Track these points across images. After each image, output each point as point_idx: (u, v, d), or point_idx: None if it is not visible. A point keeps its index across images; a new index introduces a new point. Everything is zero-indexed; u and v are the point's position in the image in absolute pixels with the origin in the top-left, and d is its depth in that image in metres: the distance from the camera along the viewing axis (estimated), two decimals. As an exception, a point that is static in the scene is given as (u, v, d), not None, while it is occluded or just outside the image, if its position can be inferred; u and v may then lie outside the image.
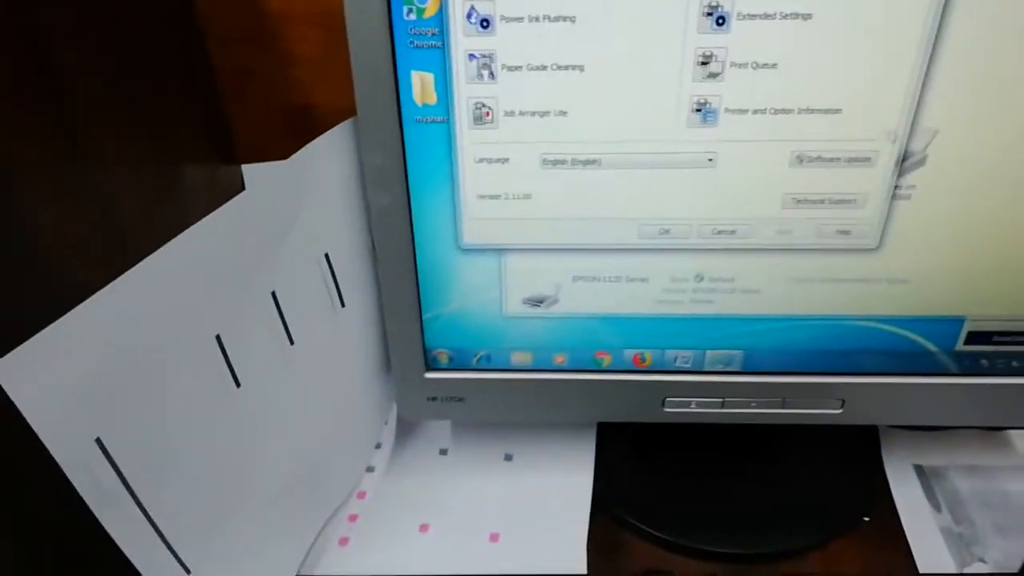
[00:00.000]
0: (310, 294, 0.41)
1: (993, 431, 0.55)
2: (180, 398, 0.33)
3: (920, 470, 0.53)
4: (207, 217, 0.34)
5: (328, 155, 0.40)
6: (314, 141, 0.39)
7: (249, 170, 0.38)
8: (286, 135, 0.51)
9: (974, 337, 0.43)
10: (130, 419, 0.31)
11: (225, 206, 0.35)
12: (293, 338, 0.40)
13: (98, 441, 0.29)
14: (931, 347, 0.43)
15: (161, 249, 0.32)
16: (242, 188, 0.38)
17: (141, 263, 0.31)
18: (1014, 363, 0.44)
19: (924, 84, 0.35)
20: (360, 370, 0.48)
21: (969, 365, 0.44)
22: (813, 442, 0.54)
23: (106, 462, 0.30)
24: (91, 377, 0.29)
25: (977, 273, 0.40)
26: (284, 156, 0.40)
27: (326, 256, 0.42)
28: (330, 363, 0.44)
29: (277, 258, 0.38)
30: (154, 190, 0.35)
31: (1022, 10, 0.33)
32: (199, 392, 0.34)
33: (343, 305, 0.44)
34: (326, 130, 0.41)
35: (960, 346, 0.43)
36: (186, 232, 0.33)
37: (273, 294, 0.38)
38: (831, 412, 0.46)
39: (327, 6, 0.47)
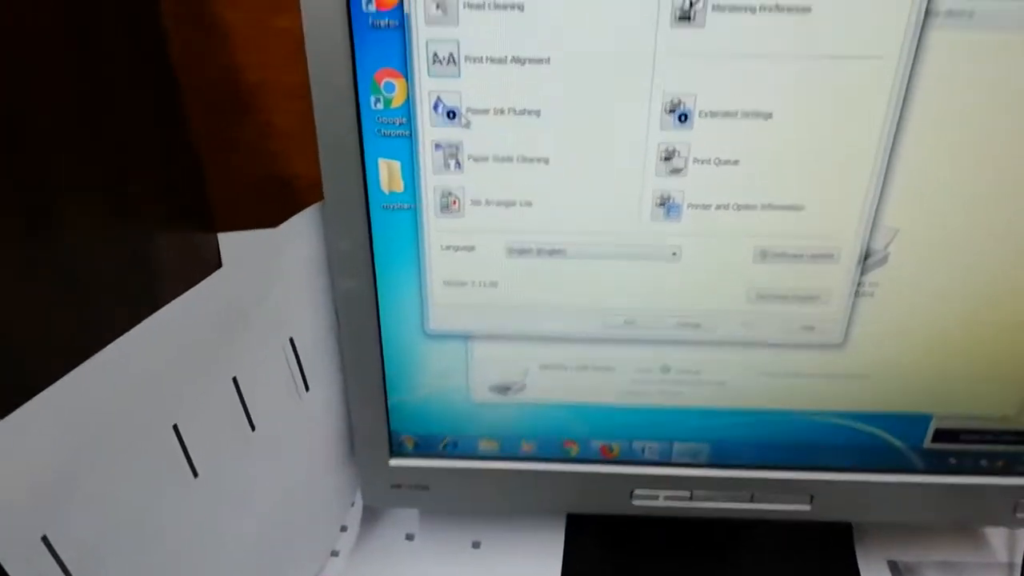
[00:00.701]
0: (273, 379, 0.40)
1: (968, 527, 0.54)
2: (134, 491, 0.32)
3: (894, 566, 0.52)
4: (174, 301, 0.34)
5: (295, 238, 0.40)
6: (283, 224, 0.39)
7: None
8: (265, 206, 0.52)
9: (941, 435, 0.43)
10: (79, 515, 0.29)
11: (193, 290, 0.35)
12: (254, 424, 0.39)
13: (44, 539, 0.28)
14: (899, 444, 0.43)
15: (128, 334, 0.31)
16: (219, 265, 0.38)
17: (105, 349, 0.30)
18: (982, 462, 0.44)
19: (884, 184, 0.35)
20: (324, 454, 0.47)
21: (938, 463, 0.44)
22: (786, 536, 0.53)
23: (52, 561, 0.28)
24: (40, 471, 0.28)
25: (942, 371, 0.40)
26: (262, 226, 0.40)
27: (291, 340, 0.41)
28: (293, 448, 0.43)
29: (240, 343, 0.38)
30: (127, 270, 0.34)
31: (977, 115, 0.34)
32: (154, 484, 0.33)
33: (307, 389, 0.43)
34: (305, 201, 0.41)
35: (928, 444, 0.43)
36: (154, 316, 0.33)
37: (235, 380, 0.37)
38: (800, 508, 0.45)
39: (307, 78, 0.48)
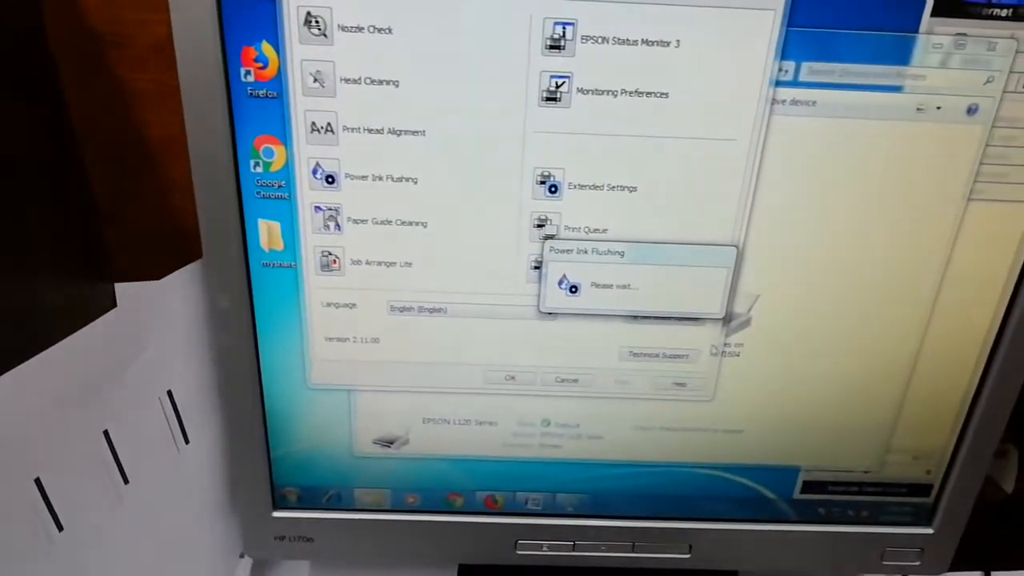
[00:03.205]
0: (149, 431, 0.40)
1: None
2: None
3: (777, 612, 0.54)
4: (43, 352, 0.34)
5: (174, 290, 0.41)
6: (163, 280, 0.39)
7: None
8: (162, 258, 0.52)
9: (810, 486, 0.45)
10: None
11: (63, 341, 0.35)
12: (128, 477, 0.39)
13: None
14: (770, 495, 0.45)
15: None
16: (114, 304, 0.37)
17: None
18: (849, 511, 0.46)
19: (742, 253, 0.38)
20: (206, 507, 0.46)
21: (808, 513, 0.46)
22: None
23: None
24: None
25: (806, 427, 0.43)
26: (158, 277, 0.40)
27: (169, 393, 0.41)
28: (171, 501, 0.43)
29: (112, 395, 0.38)
30: (14, 313, 0.34)
31: (821, 189, 0.36)
32: (15, 541, 0.33)
33: (187, 442, 0.43)
34: (195, 255, 0.42)
35: (797, 494, 0.45)
36: (21, 366, 0.32)
37: (106, 432, 0.37)
38: (679, 556, 0.46)
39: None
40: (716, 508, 0.45)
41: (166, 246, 0.51)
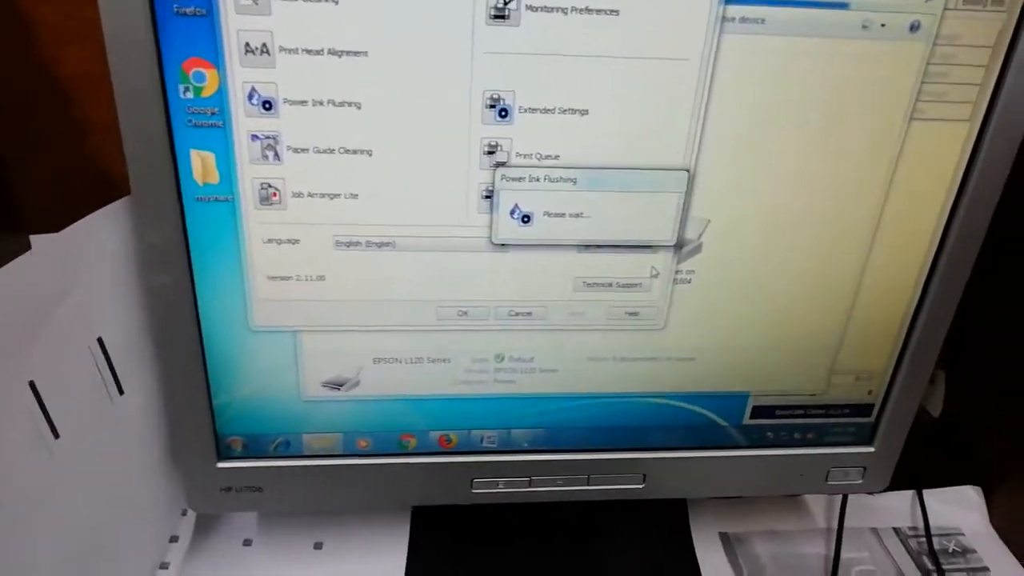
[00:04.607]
0: (79, 382, 0.38)
1: (790, 497, 0.58)
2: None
3: (725, 537, 0.55)
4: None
5: (101, 231, 0.38)
6: (87, 217, 0.37)
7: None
8: (82, 203, 0.49)
9: (759, 411, 0.46)
10: None
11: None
12: (58, 431, 0.36)
13: None
14: (721, 422, 0.46)
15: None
16: (27, 249, 0.35)
17: None
18: (796, 434, 0.47)
19: (693, 178, 0.37)
20: (145, 460, 0.44)
21: (757, 438, 0.47)
22: (627, 515, 0.55)
23: None
24: None
25: (755, 351, 0.43)
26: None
27: (99, 340, 0.39)
28: (107, 454, 0.40)
29: (37, 344, 0.35)
30: None
31: (771, 112, 0.36)
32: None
33: (121, 393, 0.41)
34: (121, 194, 0.39)
35: (747, 420, 0.46)
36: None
37: (32, 384, 0.35)
38: (634, 487, 0.47)
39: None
40: (669, 437, 0.46)
41: (87, 193, 0.48)
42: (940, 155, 0.39)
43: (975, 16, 0.35)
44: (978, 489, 0.58)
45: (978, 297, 0.45)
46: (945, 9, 0.35)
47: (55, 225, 0.36)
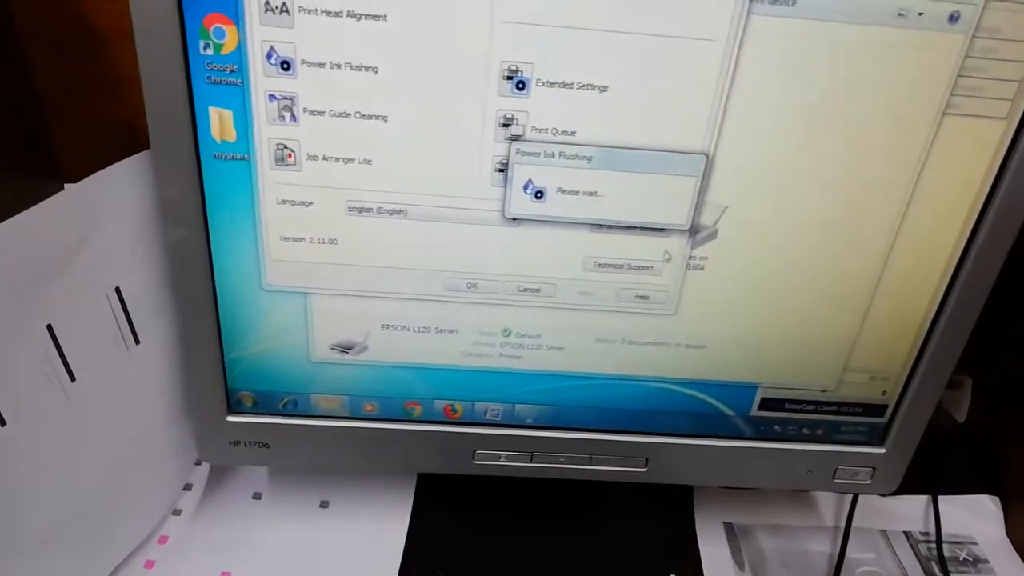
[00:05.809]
0: (96, 329, 0.39)
1: (800, 492, 0.58)
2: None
3: (729, 528, 0.55)
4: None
5: (123, 182, 0.39)
6: (108, 168, 0.37)
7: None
8: (112, 154, 0.50)
9: (767, 403, 0.45)
10: None
11: (5, 226, 0.33)
12: (75, 375, 0.38)
13: None
14: (728, 411, 0.45)
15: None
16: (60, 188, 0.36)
17: None
18: (804, 430, 0.46)
19: (712, 162, 0.37)
20: (160, 409, 0.45)
21: (764, 430, 0.46)
22: (631, 497, 0.55)
23: None
24: None
25: (766, 343, 0.43)
26: None
27: (117, 290, 0.40)
28: (122, 401, 0.42)
29: (56, 289, 0.36)
30: None
31: (797, 98, 0.35)
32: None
33: (137, 342, 0.42)
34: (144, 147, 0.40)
35: (754, 411, 0.45)
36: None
37: (49, 327, 0.36)
38: (636, 470, 0.47)
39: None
40: (674, 423, 0.45)
41: (114, 144, 0.49)
42: (972, 153, 0.37)
43: (1019, 10, 0.34)
44: (996, 499, 0.57)
45: (1007, 303, 0.44)
46: (987, 1, 0.33)
47: (87, 173, 0.38)
